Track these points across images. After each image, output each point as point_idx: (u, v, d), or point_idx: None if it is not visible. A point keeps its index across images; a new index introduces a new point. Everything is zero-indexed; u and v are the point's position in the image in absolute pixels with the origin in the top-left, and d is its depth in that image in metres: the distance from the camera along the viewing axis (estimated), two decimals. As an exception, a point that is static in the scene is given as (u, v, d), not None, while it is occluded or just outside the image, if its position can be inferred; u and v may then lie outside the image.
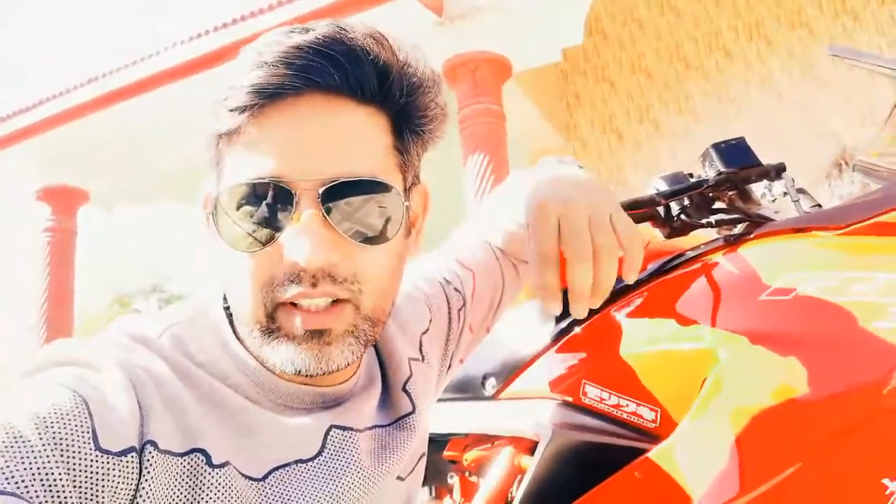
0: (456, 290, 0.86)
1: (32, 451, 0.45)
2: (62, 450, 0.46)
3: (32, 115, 6.25)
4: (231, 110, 0.55)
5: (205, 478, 0.53)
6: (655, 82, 5.23)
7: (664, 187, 0.96)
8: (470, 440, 1.15)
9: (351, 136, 0.56)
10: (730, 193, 0.97)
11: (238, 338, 0.61)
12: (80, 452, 0.47)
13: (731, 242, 0.90)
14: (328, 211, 0.55)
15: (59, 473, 0.45)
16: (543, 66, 4.83)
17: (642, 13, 5.19)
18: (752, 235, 0.89)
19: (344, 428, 0.63)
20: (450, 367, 0.87)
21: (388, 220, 0.58)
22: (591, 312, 1.00)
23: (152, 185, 7.15)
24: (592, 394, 0.93)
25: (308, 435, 0.61)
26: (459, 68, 4.93)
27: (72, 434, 0.47)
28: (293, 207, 0.55)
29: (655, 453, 0.80)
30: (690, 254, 0.94)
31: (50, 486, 0.45)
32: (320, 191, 0.54)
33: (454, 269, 0.88)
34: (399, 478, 0.70)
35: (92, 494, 0.46)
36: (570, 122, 5.42)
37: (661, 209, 0.96)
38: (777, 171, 0.98)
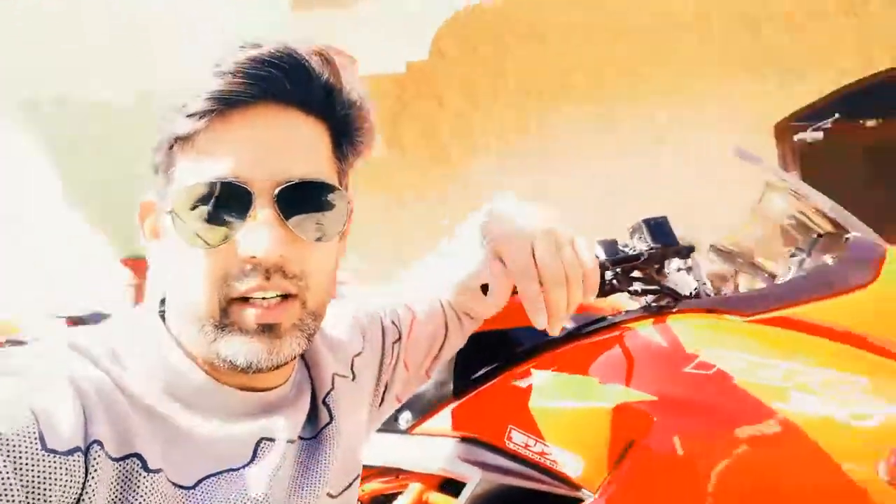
0: (393, 323, 0.91)
1: None
2: (9, 450, 0.48)
3: None
4: (189, 116, 0.59)
5: (139, 481, 0.55)
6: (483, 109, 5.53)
7: (600, 252, 1.04)
8: (371, 472, 1.16)
9: (300, 142, 0.62)
10: (649, 266, 1.08)
11: (178, 343, 0.64)
12: (27, 453, 0.49)
13: (656, 313, 1.00)
14: (283, 209, 0.60)
15: (7, 473, 0.47)
16: (384, 76, 4.91)
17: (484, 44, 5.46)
18: (674, 309, 1.00)
19: (272, 439, 0.66)
20: (383, 400, 0.90)
21: (335, 220, 0.64)
22: (515, 362, 1.06)
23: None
24: (518, 439, 0.98)
25: (239, 444, 0.63)
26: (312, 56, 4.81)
27: (18, 435, 0.49)
28: (250, 206, 0.59)
29: None
30: (619, 318, 1.03)
31: None
32: (276, 191, 0.59)
33: (395, 307, 0.94)
34: (329, 495, 0.72)
35: (40, 493, 0.49)
36: (394, 134, 5.60)
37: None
38: (688, 251, 1.10)
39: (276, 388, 0.67)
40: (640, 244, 1.07)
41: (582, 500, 0.92)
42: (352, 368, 0.81)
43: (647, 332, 0.98)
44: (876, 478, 0.79)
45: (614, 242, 1.07)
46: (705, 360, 0.91)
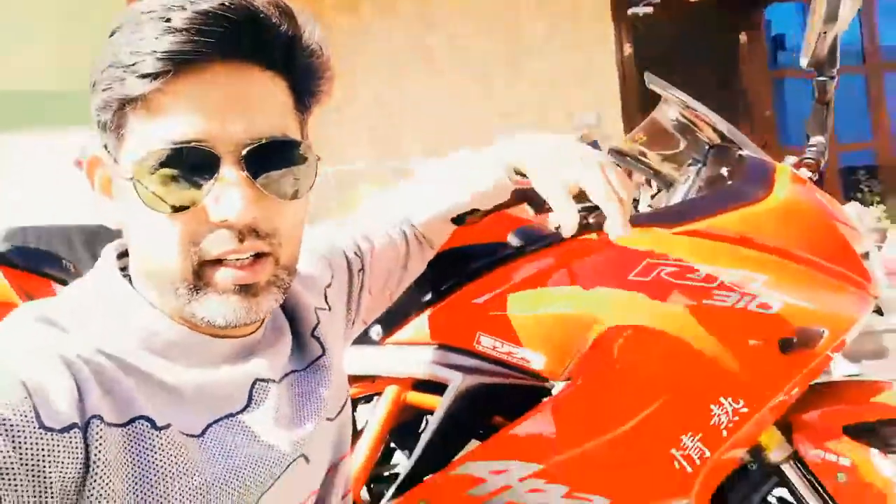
0: (355, 254, 0.97)
1: None
2: (6, 429, 0.48)
3: None
4: (141, 76, 0.56)
5: (152, 441, 0.56)
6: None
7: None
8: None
9: (261, 99, 0.61)
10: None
11: (148, 302, 0.64)
12: (24, 431, 0.48)
13: (598, 229, 1.17)
14: (251, 170, 0.59)
15: (7, 452, 0.47)
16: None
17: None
18: (613, 225, 1.17)
19: (266, 380, 0.68)
20: (353, 323, 0.97)
21: (303, 177, 0.64)
22: (476, 273, 1.20)
23: None
24: (486, 343, 1.14)
25: (232, 389, 0.65)
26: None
27: (14, 415, 0.49)
28: (218, 169, 0.58)
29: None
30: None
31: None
32: (244, 152, 0.59)
33: (355, 239, 0.99)
34: (328, 419, 0.77)
35: (39, 471, 0.48)
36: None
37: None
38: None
39: (252, 333, 0.69)
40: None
41: (549, 389, 1.11)
42: (326, 300, 0.85)
43: (591, 244, 1.15)
44: (775, 351, 1.03)
45: None
46: (645, 267, 1.09)
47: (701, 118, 1.39)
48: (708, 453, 1.05)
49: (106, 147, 0.62)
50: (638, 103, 5.93)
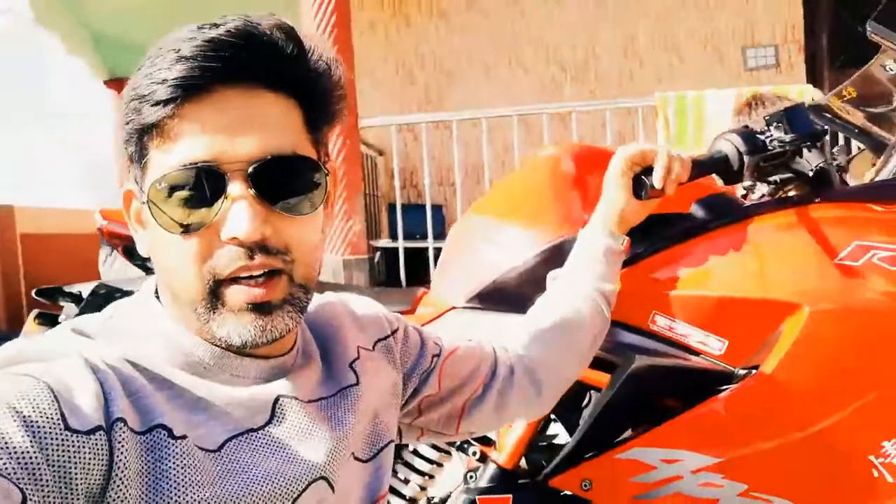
0: (436, 343, 0.91)
1: (7, 435, 0.48)
2: (34, 431, 0.49)
3: None
4: (154, 105, 0.59)
5: (168, 449, 0.57)
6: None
7: (741, 144, 1.06)
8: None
9: (269, 119, 0.62)
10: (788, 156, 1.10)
11: (176, 321, 0.66)
12: (51, 433, 0.50)
13: (797, 204, 1.04)
14: (258, 187, 0.60)
15: (34, 453, 0.48)
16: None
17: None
18: (818, 200, 1.04)
19: (290, 397, 0.68)
20: (407, 401, 0.88)
21: (312, 193, 0.64)
22: (654, 248, 1.12)
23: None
24: (662, 323, 1.06)
25: (256, 405, 0.65)
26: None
27: (41, 417, 0.50)
28: (225, 188, 0.60)
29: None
30: (757, 208, 1.07)
31: (26, 464, 0.48)
32: (249, 170, 0.60)
33: (441, 337, 0.93)
34: (358, 458, 0.75)
35: (65, 472, 0.50)
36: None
37: (735, 163, 1.06)
38: (822, 133, 1.12)
39: (281, 355, 0.69)
40: (780, 133, 1.08)
41: (726, 376, 1.02)
42: (374, 346, 0.82)
43: (790, 222, 1.03)
44: None
45: (751, 133, 1.08)
46: (854, 250, 0.97)
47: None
48: (916, 465, 0.93)
49: (136, 179, 0.65)
50: (828, 38, 5.31)
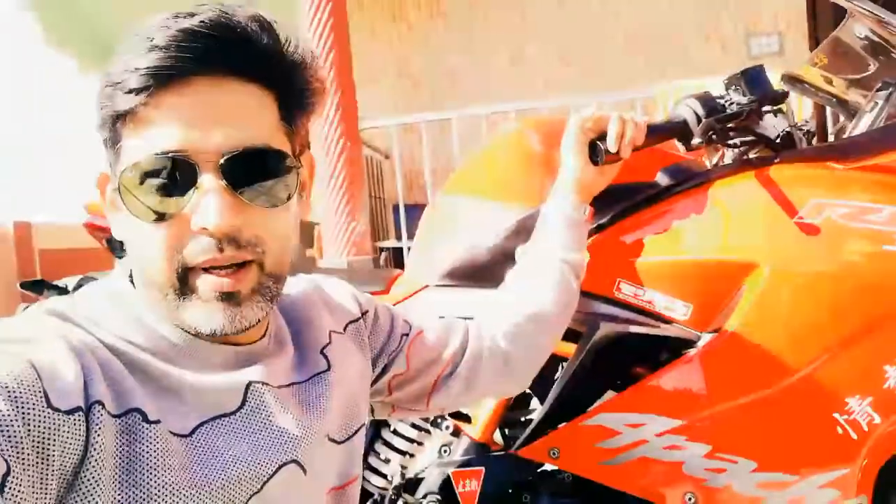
0: (405, 321, 0.92)
1: None
2: (18, 406, 0.50)
3: None
4: (127, 92, 0.60)
5: (142, 433, 0.58)
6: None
7: (699, 107, 1.06)
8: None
9: (241, 110, 0.62)
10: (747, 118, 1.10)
11: (149, 306, 0.66)
12: (34, 409, 0.51)
13: (757, 165, 1.04)
14: (229, 179, 0.61)
15: (18, 427, 0.49)
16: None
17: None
18: (777, 161, 1.03)
19: (262, 383, 0.68)
20: (377, 378, 0.89)
21: (283, 185, 0.64)
22: (619, 216, 1.12)
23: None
24: (627, 290, 1.07)
25: (228, 391, 0.66)
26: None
27: (26, 393, 0.51)
28: (196, 177, 0.60)
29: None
30: (718, 170, 1.07)
31: (10, 437, 0.49)
32: (221, 161, 0.60)
33: (409, 317, 0.94)
34: (333, 440, 0.75)
35: (43, 449, 0.51)
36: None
37: (694, 127, 1.07)
38: (782, 96, 1.12)
39: (253, 342, 0.70)
40: (738, 96, 1.08)
41: (692, 341, 1.02)
42: (345, 328, 0.84)
43: (749, 182, 1.02)
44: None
45: (710, 97, 1.08)
46: (812, 208, 0.96)
47: (897, 33, 1.18)
48: (878, 419, 0.92)
49: (109, 164, 0.66)
50: (833, 24, 5.25)
